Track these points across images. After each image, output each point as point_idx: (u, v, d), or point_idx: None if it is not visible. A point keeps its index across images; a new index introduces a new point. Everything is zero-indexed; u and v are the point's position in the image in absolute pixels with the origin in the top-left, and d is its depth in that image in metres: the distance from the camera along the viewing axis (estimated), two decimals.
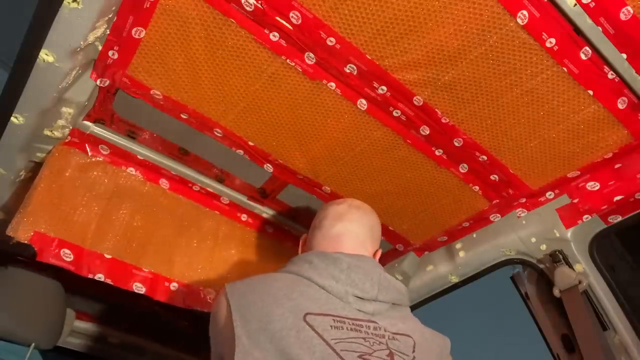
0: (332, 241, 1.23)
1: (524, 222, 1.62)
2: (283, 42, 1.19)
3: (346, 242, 1.22)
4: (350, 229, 1.25)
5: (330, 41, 1.17)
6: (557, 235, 1.58)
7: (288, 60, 1.23)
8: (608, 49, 1.14)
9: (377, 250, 1.28)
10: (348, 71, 1.25)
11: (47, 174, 1.39)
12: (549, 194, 1.56)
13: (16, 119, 1.21)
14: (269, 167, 1.55)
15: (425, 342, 1.11)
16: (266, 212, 1.73)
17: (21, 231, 1.31)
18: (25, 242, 1.31)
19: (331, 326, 1.00)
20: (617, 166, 1.42)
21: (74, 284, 1.90)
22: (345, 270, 1.10)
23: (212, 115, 1.38)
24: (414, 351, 1.06)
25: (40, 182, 1.37)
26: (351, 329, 1.02)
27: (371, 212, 1.33)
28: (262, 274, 1.16)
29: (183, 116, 1.38)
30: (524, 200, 1.60)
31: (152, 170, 1.56)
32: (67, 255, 1.38)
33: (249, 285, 1.09)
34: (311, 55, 1.22)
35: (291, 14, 1.13)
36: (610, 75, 1.19)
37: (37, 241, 1.33)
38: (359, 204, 1.33)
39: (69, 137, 1.42)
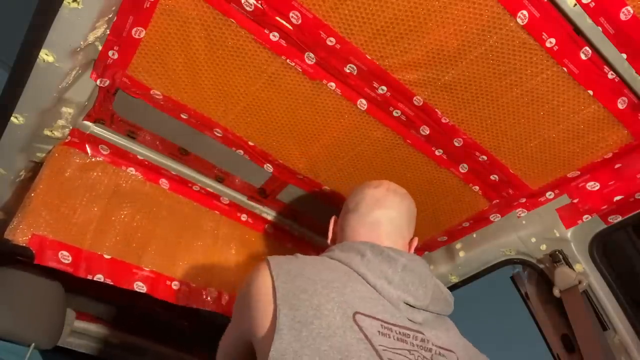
0: (370, 228, 1.15)
1: (524, 222, 1.62)
2: (283, 42, 1.19)
3: (384, 230, 1.15)
4: (389, 216, 1.17)
5: (330, 41, 1.17)
6: (557, 235, 1.57)
7: (288, 60, 1.23)
8: (608, 49, 1.14)
9: (412, 238, 1.21)
10: (348, 71, 1.25)
11: (47, 173, 1.38)
12: (549, 194, 1.56)
13: (16, 119, 1.21)
14: (269, 167, 1.55)
15: (468, 358, 1.03)
16: (266, 212, 1.74)
17: (19, 234, 1.30)
18: (24, 244, 1.30)
19: (379, 331, 0.92)
20: (617, 166, 1.42)
21: (74, 284, 1.90)
22: (400, 273, 1.02)
23: (212, 115, 1.38)
24: None
25: (40, 182, 1.37)
26: (398, 339, 0.94)
27: (408, 196, 1.24)
28: (311, 257, 1.07)
29: (183, 116, 1.38)
30: (524, 200, 1.60)
31: (152, 171, 1.56)
32: (65, 257, 1.38)
33: (298, 268, 0.98)
34: (311, 55, 1.22)
35: (291, 14, 1.13)
36: (610, 75, 1.19)
37: (35, 244, 1.33)
38: (395, 187, 1.24)
39: (69, 137, 1.42)
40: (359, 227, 1.17)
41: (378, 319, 0.94)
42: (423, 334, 0.99)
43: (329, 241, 1.25)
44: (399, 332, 0.95)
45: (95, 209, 1.48)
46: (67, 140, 1.42)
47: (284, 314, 0.88)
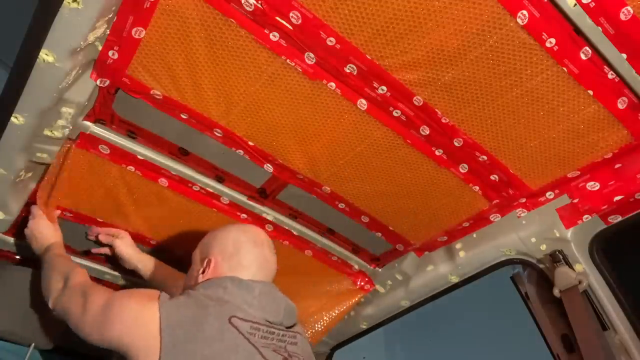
0: (246, 269, 1.31)
1: (524, 222, 1.62)
2: (283, 42, 1.19)
3: (259, 270, 1.32)
4: (266, 256, 1.37)
5: (330, 41, 1.17)
6: (557, 235, 1.57)
7: (288, 60, 1.23)
8: (608, 49, 1.14)
9: None
10: (348, 71, 1.25)
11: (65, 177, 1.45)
12: (549, 194, 1.56)
13: (16, 119, 1.21)
14: (269, 167, 1.55)
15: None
16: (266, 212, 1.73)
17: None
18: None
19: (248, 332, 1.18)
20: (617, 166, 1.42)
21: None
22: (257, 297, 1.24)
23: (212, 115, 1.38)
24: None
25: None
26: (262, 337, 1.20)
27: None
28: (185, 297, 1.22)
29: (183, 116, 1.38)
30: (524, 200, 1.60)
31: (151, 170, 1.56)
32: None
33: (179, 305, 1.19)
34: (311, 55, 1.22)
35: (291, 14, 1.13)
36: (610, 75, 1.19)
37: None
38: (270, 243, 1.41)
39: (69, 138, 1.42)
40: (237, 268, 1.31)
41: (249, 321, 1.19)
42: (284, 331, 1.27)
43: (201, 275, 1.33)
44: (265, 331, 1.21)
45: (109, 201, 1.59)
46: (68, 143, 1.42)
47: (168, 335, 1.10)
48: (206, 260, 1.34)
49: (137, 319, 1.15)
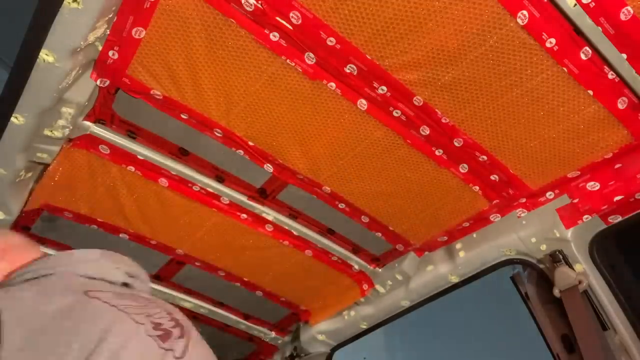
0: None
1: (524, 222, 1.62)
2: (283, 42, 1.19)
3: None
4: None
5: (330, 41, 1.17)
6: (557, 235, 1.57)
7: (288, 60, 1.23)
8: (608, 49, 1.14)
9: None
10: (348, 71, 1.25)
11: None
12: (549, 194, 1.56)
13: (16, 119, 1.21)
14: (269, 167, 1.55)
15: None
16: (266, 212, 1.73)
17: None
18: None
19: None
20: (617, 166, 1.42)
21: None
22: None
23: (212, 115, 1.38)
24: None
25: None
26: None
27: None
28: None
29: (183, 116, 1.38)
30: (524, 200, 1.60)
31: (151, 170, 1.56)
32: None
33: None
34: (311, 55, 1.22)
35: (291, 14, 1.13)
36: (610, 75, 1.19)
37: None
38: None
39: (70, 138, 1.42)
40: None
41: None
42: None
43: None
44: None
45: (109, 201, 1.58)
46: (68, 142, 1.42)
47: None
48: None
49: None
